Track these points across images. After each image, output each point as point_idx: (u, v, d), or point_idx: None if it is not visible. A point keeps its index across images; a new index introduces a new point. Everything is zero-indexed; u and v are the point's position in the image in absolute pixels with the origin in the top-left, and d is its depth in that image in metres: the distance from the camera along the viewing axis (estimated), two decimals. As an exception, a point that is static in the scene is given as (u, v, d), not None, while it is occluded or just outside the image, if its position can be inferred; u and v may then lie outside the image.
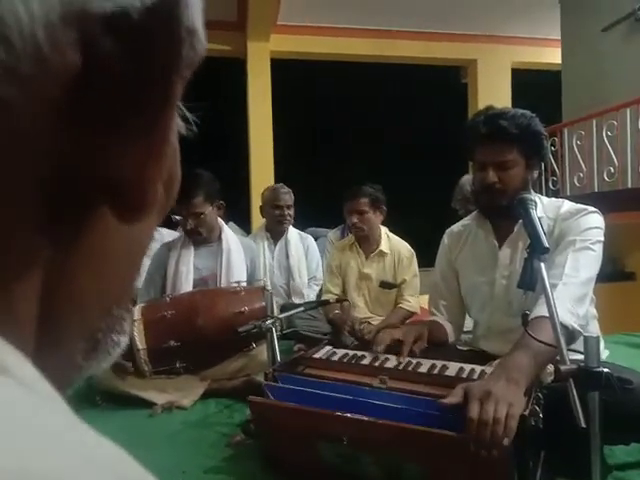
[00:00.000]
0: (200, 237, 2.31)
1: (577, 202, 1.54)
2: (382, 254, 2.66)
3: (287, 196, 3.05)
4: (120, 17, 0.17)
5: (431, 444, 1.09)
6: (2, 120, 0.15)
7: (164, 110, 0.18)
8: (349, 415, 1.15)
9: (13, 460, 0.12)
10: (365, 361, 1.45)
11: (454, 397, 1.09)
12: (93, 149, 0.18)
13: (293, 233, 3.12)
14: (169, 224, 3.19)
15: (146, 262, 2.40)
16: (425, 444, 1.10)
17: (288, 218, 3.05)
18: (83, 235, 0.20)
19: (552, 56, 6.81)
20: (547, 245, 1.15)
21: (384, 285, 2.65)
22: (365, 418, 1.13)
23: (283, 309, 2.26)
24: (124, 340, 0.25)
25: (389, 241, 2.70)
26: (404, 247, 2.70)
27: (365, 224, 2.61)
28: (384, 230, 2.73)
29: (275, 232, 3.10)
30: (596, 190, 4.91)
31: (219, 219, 2.40)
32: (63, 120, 0.17)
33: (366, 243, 2.69)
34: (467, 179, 2.87)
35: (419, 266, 2.71)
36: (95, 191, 0.19)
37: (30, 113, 0.16)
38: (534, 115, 1.50)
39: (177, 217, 2.33)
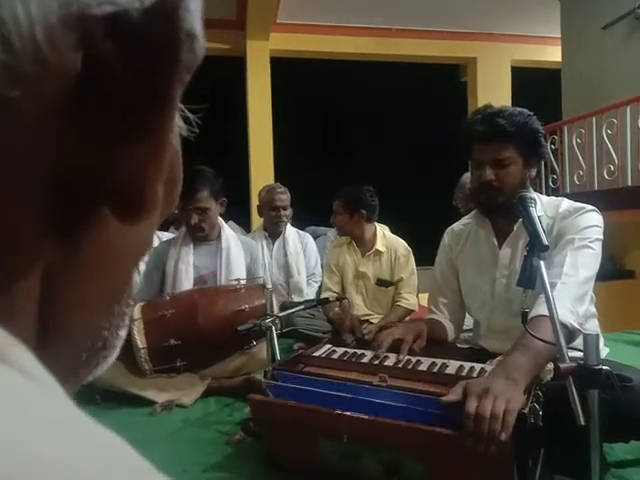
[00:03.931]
0: (202, 233, 2.31)
1: (577, 200, 1.54)
2: (378, 253, 2.66)
3: (284, 196, 3.05)
4: (120, 19, 0.17)
5: (431, 442, 1.10)
6: (6, 119, 0.16)
7: (163, 112, 0.18)
8: (349, 413, 1.15)
9: (14, 446, 0.12)
10: (365, 359, 1.45)
11: (454, 395, 1.10)
12: (93, 150, 0.18)
13: (291, 231, 3.12)
14: (165, 226, 3.22)
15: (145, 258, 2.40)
16: (425, 442, 1.10)
17: (284, 219, 3.05)
18: (85, 235, 0.20)
19: (552, 54, 6.80)
20: (546, 243, 1.15)
21: (381, 283, 2.65)
22: (365, 416, 1.14)
23: (283, 307, 2.26)
24: (125, 332, 0.25)
25: (385, 239, 2.70)
26: (401, 245, 2.70)
27: (341, 225, 2.68)
28: (380, 229, 2.73)
29: (273, 231, 3.11)
30: (596, 188, 4.90)
31: (219, 217, 2.40)
32: (64, 121, 0.17)
33: (361, 243, 2.69)
34: (468, 177, 2.86)
35: (420, 264, 2.71)
36: (96, 192, 0.19)
37: (33, 114, 0.16)
38: (532, 113, 1.50)
39: (175, 211, 2.33)
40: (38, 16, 0.15)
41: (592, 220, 1.44)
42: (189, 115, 0.23)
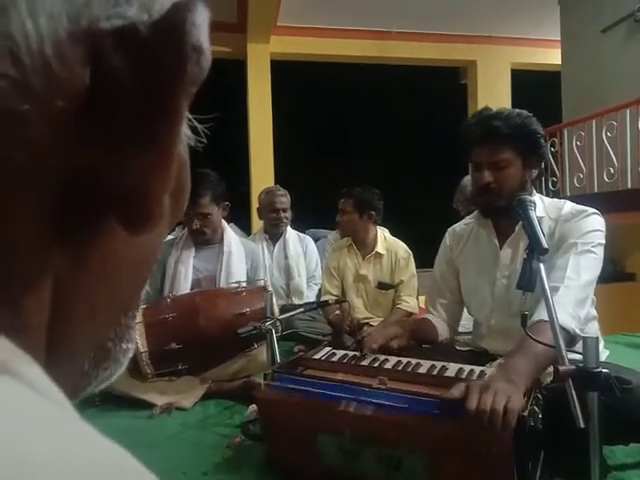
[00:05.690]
0: (203, 237, 2.31)
1: (577, 203, 1.54)
2: (378, 256, 2.66)
3: (284, 198, 3.05)
4: (128, 33, 0.17)
5: (432, 437, 1.11)
6: (15, 133, 0.16)
7: (169, 124, 0.19)
8: (352, 408, 1.17)
9: (17, 447, 0.13)
10: (365, 362, 1.45)
11: (456, 391, 1.10)
12: (100, 162, 0.18)
13: (291, 234, 3.12)
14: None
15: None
16: (426, 436, 1.12)
17: (284, 221, 3.05)
18: (92, 246, 0.20)
19: (552, 57, 6.81)
20: (546, 246, 1.15)
21: (381, 286, 2.65)
22: (368, 411, 1.15)
23: (283, 310, 2.26)
24: (132, 348, 0.25)
25: (385, 242, 2.70)
26: (401, 248, 2.70)
27: (348, 224, 2.65)
28: (381, 231, 2.73)
29: (273, 234, 3.11)
30: (596, 191, 4.90)
31: (222, 220, 2.40)
32: (72, 133, 0.17)
33: (362, 245, 2.69)
34: (468, 180, 2.85)
35: (422, 267, 2.71)
36: (102, 201, 0.19)
37: (41, 127, 0.16)
38: (530, 115, 1.50)
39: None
40: (47, 31, 0.15)
41: (595, 224, 1.44)
42: (197, 125, 0.23)
